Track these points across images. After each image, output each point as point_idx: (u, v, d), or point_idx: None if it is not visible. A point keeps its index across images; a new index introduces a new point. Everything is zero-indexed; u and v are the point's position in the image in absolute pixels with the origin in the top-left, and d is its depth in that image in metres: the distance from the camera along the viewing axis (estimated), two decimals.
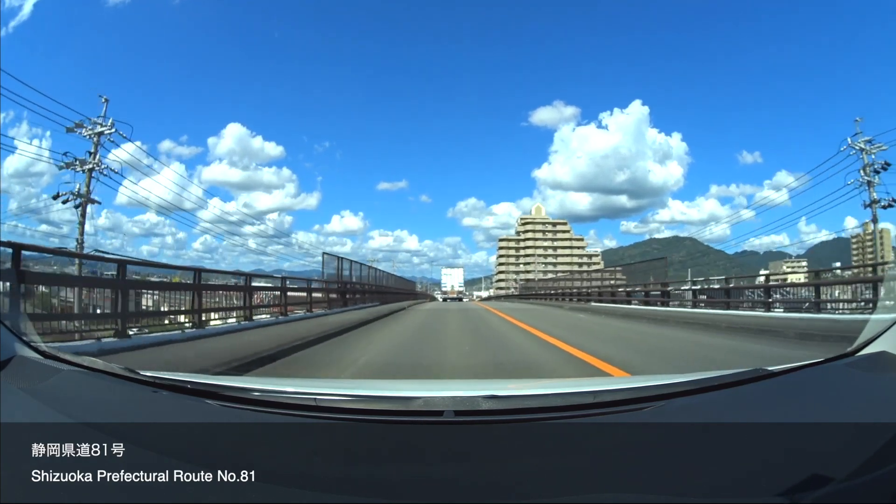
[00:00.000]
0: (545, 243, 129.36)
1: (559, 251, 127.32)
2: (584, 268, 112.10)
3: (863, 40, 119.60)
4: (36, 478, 1.03)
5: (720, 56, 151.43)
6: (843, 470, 0.99)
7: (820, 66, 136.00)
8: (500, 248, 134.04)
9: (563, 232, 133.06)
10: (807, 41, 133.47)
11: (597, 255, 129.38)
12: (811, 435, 1.23)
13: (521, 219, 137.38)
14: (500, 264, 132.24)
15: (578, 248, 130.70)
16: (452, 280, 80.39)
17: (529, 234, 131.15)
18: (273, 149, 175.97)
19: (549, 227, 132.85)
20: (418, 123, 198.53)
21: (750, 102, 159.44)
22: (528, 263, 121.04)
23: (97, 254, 17.60)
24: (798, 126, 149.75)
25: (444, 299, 55.70)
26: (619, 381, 2.04)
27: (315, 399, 1.45)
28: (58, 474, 1.05)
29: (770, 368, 1.65)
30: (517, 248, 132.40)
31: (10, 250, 5.46)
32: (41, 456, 1.13)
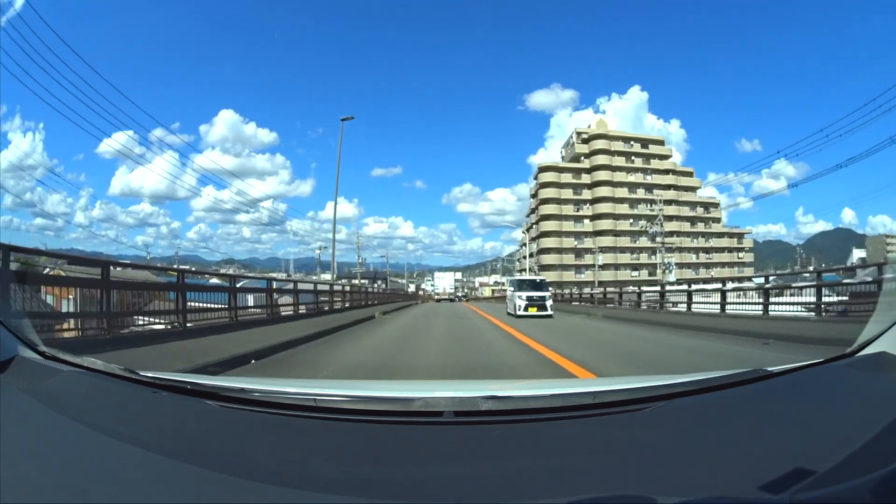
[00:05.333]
0: (632, 177, 67.45)
1: (657, 193, 64.33)
2: (701, 227, 68.73)
3: (865, 26, 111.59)
4: (36, 478, 1.04)
5: (721, 42, 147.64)
6: (842, 470, 0.99)
7: (821, 52, 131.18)
8: (542, 185, 69.73)
9: (661, 157, 69.10)
10: (808, 26, 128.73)
11: (715, 204, 69.99)
12: (811, 435, 1.23)
13: (581, 134, 71.32)
14: (544, 218, 68.32)
15: (687, 187, 68.36)
16: (444, 283, 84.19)
17: (602, 161, 67.34)
18: (266, 135, 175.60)
19: (638, 149, 68.71)
20: (412, 107, 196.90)
21: (750, 89, 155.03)
22: (602, 217, 66.84)
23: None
24: (799, 114, 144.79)
25: (439, 300, 57.10)
26: (619, 382, 2.02)
27: (315, 399, 1.46)
28: (58, 474, 1.06)
29: (770, 369, 1.66)
30: (576, 187, 68.61)
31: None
32: (41, 456, 1.14)
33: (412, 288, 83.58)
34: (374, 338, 10.63)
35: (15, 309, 5.54)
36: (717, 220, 70.79)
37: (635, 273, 66.15)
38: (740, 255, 71.99)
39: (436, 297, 66.07)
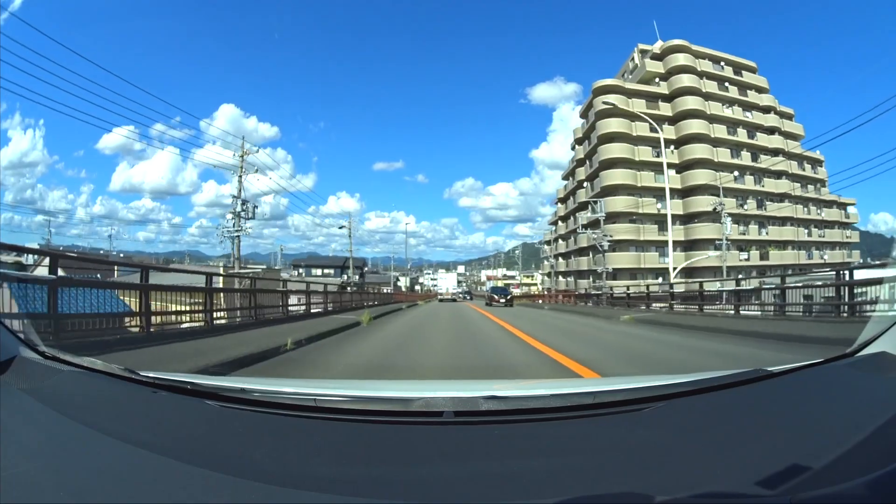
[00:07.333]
0: (729, 111, 46.43)
1: (759, 139, 47.46)
2: (811, 190, 48.89)
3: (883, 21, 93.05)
4: (36, 478, 1.04)
5: (723, 34, 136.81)
6: (841, 469, 0.99)
7: (829, 46, 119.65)
8: (602, 116, 45.06)
9: (758, 90, 49.07)
10: (821, 17, 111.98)
11: (819, 161, 50.01)
12: (811, 435, 1.23)
13: (646, 51, 50.80)
14: (607, 165, 44.12)
15: (790, 134, 48.55)
16: (447, 283, 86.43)
17: (688, 83, 45.30)
18: (268, 130, 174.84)
19: (731, 75, 48.28)
20: (415, 96, 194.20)
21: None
22: (694, 165, 43.92)
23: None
24: (806, 104, 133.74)
25: (442, 300, 55.77)
26: (619, 382, 2.02)
27: (315, 399, 1.46)
28: (58, 474, 1.06)
29: (770, 369, 1.66)
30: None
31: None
32: (41, 456, 1.14)
33: (404, 282, 78.74)
34: None
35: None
36: (823, 184, 49.56)
37: (743, 256, 45.18)
38: (847, 232, 53.37)
39: (439, 297, 66.23)
